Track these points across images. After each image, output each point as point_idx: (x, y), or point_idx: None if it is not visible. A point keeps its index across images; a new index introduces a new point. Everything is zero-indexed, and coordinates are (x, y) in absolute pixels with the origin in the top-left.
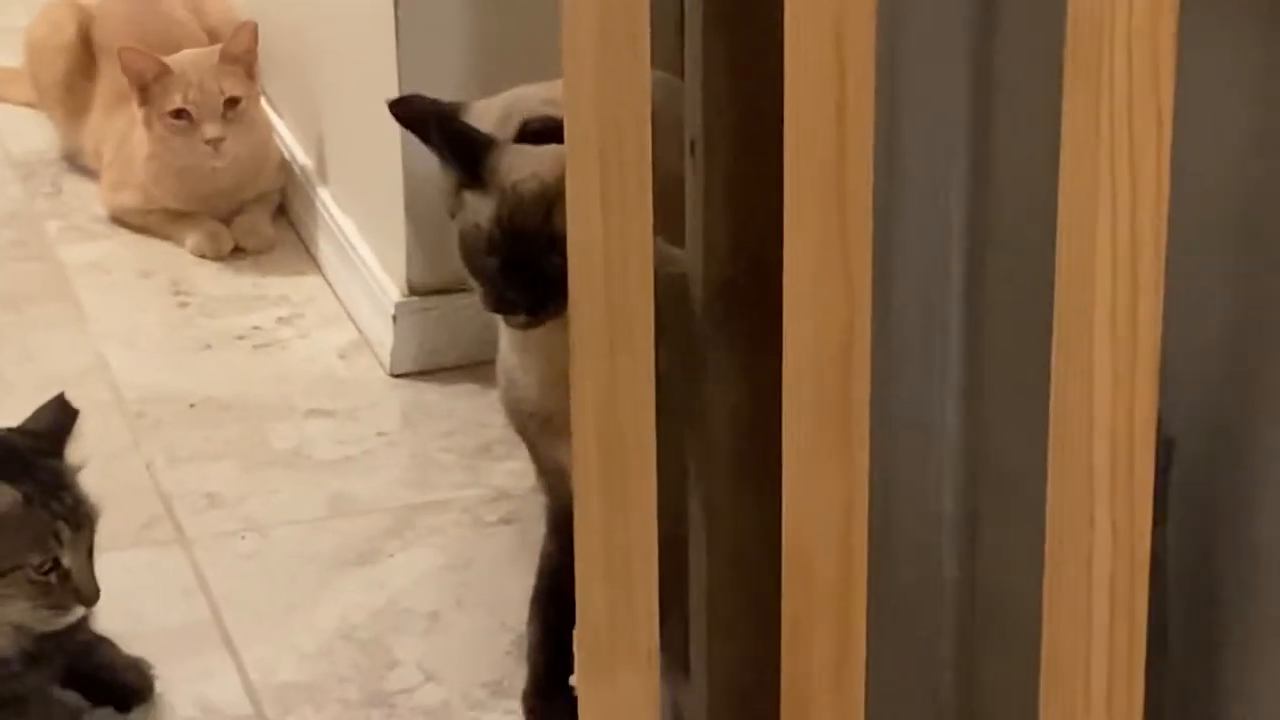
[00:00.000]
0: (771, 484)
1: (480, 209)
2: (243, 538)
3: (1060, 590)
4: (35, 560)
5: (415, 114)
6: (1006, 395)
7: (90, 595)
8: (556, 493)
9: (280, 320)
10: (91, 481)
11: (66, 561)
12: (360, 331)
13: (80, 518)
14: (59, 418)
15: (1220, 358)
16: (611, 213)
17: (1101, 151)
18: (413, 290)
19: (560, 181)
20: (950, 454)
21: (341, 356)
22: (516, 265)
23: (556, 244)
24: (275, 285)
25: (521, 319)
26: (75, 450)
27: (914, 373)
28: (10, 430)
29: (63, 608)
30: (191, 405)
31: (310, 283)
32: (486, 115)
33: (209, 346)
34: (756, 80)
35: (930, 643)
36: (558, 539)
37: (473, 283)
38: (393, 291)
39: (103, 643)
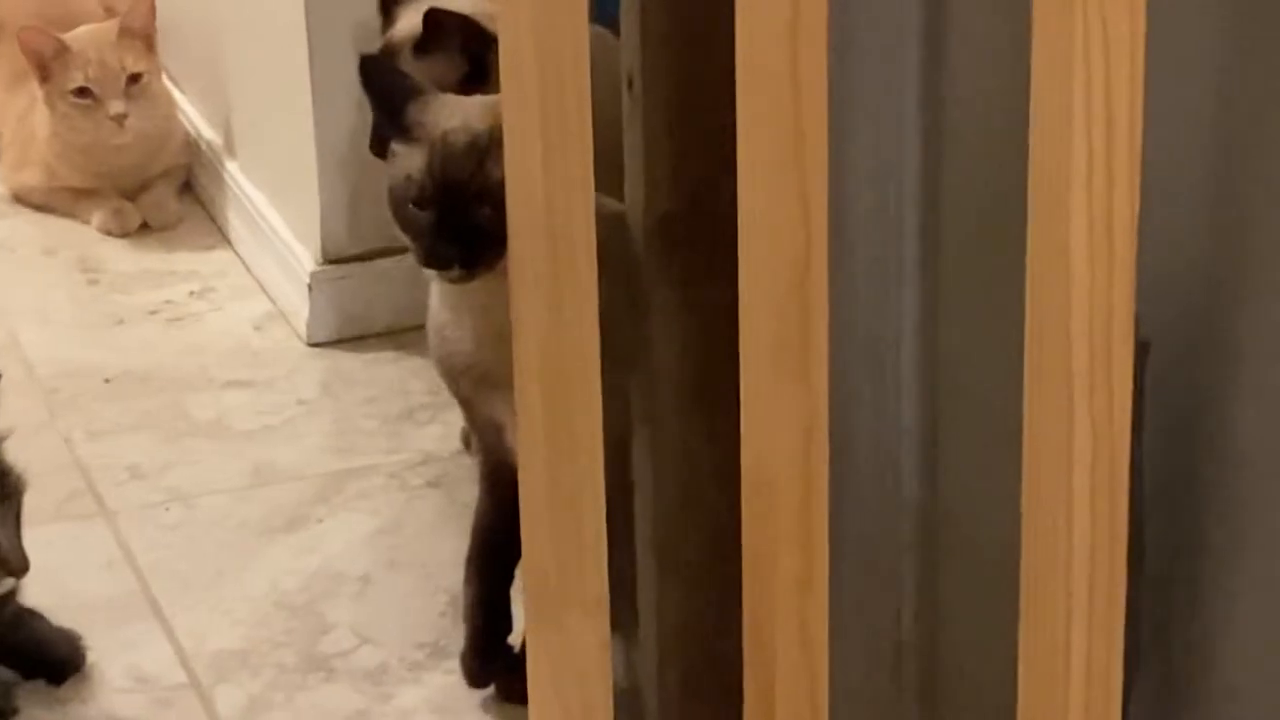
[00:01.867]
0: (721, 418)
1: (410, 160)
2: (167, 509)
3: (1040, 494)
4: None
5: None
6: (964, 310)
7: (20, 566)
8: (492, 449)
9: (192, 294)
10: (9, 457)
11: None
12: (274, 303)
13: (8, 488)
14: None
15: (1195, 260)
16: (553, 153)
17: (1076, 54)
18: (327, 258)
19: (492, 131)
20: (908, 371)
21: (256, 328)
22: (449, 218)
23: (489, 195)
24: (184, 260)
25: (455, 273)
26: None
27: (870, 290)
28: None
29: None
30: (107, 380)
31: (220, 256)
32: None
33: (121, 322)
34: (693, 12)
35: (892, 563)
36: (493, 497)
37: (404, 237)
38: (307, 261)
39: (32, 616)
